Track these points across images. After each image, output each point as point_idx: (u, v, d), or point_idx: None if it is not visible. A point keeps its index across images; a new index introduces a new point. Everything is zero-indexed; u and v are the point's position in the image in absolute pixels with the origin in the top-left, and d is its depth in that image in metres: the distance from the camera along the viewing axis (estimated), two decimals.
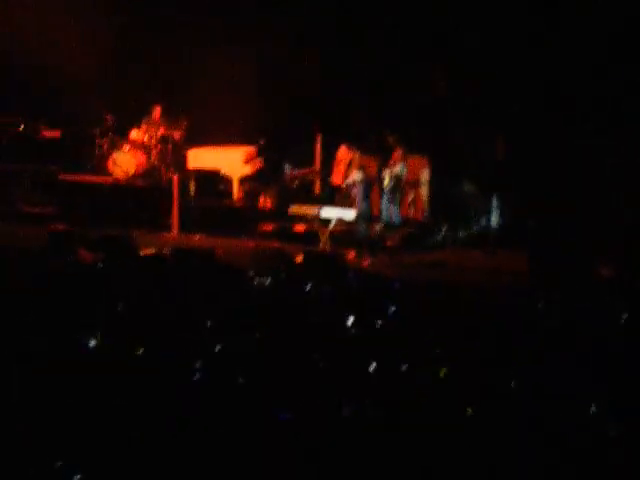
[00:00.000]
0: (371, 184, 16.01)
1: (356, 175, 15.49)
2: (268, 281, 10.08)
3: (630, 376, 6.89)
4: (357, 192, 15.52)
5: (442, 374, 6.70)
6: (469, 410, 6.13)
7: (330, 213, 15.14)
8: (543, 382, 6.72)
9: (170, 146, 17.31)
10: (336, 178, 16.26)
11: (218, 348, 6.79)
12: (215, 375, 6.34)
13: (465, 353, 7.26)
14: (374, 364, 6.78)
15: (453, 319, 8.39)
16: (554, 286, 10.76)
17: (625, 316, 8.53)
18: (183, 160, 17.13)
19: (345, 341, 7.43)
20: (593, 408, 6.07)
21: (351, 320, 7.75)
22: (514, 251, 13.86)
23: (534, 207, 14.39)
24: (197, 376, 6.29)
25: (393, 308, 8.17)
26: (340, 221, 15.26)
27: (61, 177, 16.86)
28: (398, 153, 15.65)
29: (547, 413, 6.17)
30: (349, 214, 15.09)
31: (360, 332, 7.61)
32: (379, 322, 7.86)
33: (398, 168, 15.71)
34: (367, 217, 15.66)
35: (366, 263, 13.77)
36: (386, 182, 15.68)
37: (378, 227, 15.85)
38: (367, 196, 15.95)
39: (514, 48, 15.62)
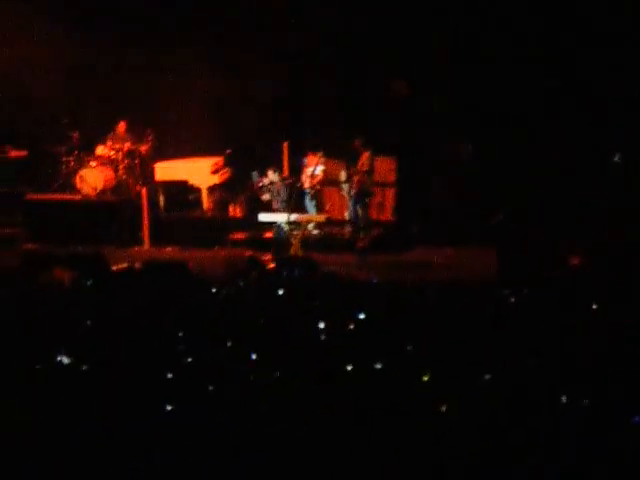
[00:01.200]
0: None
1: (271, 175, 15.51)
2: (240, 289, 10.12)
3: (600, 367, 6.97)
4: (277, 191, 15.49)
5: (426, 377, 6.73)
6: (443, 408, 6.20)
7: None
8: (517, 378, 6.79)
9: (137, 160, 17.33)
10: (304, 184, 16.35)
11: (190, 360, 6.84)
12: (187, 386, 6.39)
13: (439, 353, 7.32)
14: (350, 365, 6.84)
15: (425, 318, 8.46)
16: (524, 279, 10.85)
17: (595, 306, 8.62)
18: (151, 173, 17.17)
19: (318, 345, 7.48)
20: (564, 399, 6.15)
21: (322, 324, 7.80)
22: (484, 247, 13.98)
23: (501, 201, 14.50)
24: (169, 388, 6.34)
25: (364, 311, 8.22)
26: (311, 224, 15.35)
27: (29, 197, 16.83)
28: (365, 156, 15.74)
29: (523, 409, 6.24)
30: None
31: (333, 336, 7.67)
32: (351, 325, 7.92)
33: (316, 169, 15.83)
34: None
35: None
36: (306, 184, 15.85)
37: (347, 229, 15.97)
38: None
39: (476, 48, 15.74)
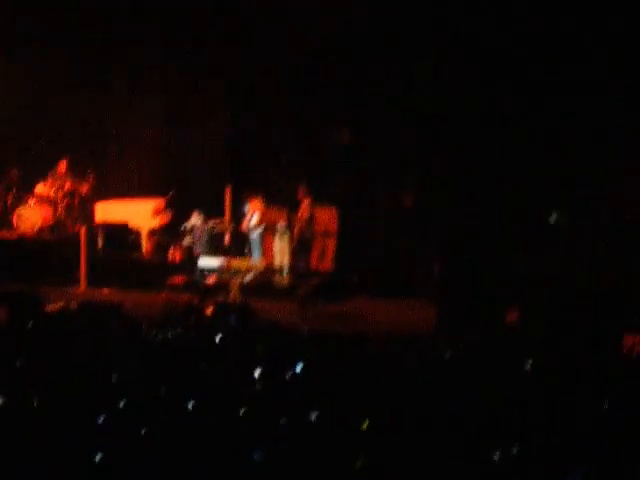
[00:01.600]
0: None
1: (194, 218, 15.36)
2: (177, 333, 10.02)
3: (536, 425, 7.00)
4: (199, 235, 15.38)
5: (364, 426, 6.69)
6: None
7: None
8: (452, 430, 6.79)
9: (77, 199, 17.18)
10: (244, 229, 16.33)
11: (122, 403, 6.73)
12: (119, 429, 6.28)
13: (375, 406, 7.30)
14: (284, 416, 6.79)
15: (361, 371, 8.44)
16: (460, 334, 10.90)
17: (529, 362, 8.67)
18: (91, 213, 17.03)
19: (254, 394, 7.42)
20: (495, 456, 6.15)
21: (258, 373, 7.73)
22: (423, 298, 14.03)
23: (440, 252, 14.58)
24: (101, 430, 6.23)
25: (301, 361, 8.18)
26: (250, 271, 15.30)
27: None
28: (307, 204, 15.77)
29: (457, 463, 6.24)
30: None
31: (269, 385, 7.61)
32: (288, 375, 7.87)
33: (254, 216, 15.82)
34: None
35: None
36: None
37: (286, 277, 15.96)
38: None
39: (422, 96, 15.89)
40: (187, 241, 15.40)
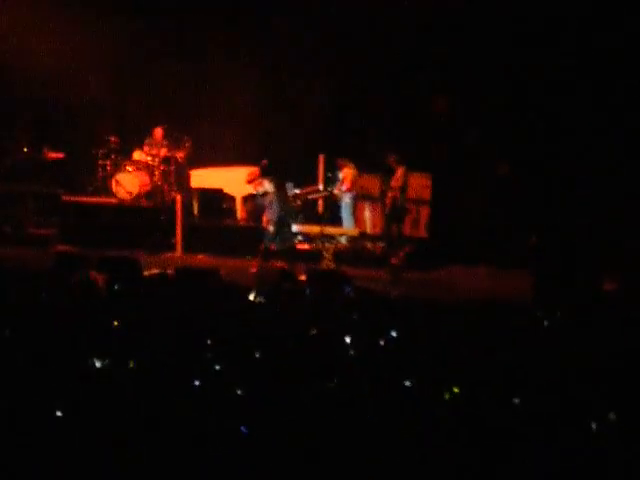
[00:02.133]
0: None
1: (266, 185, 14.87)
2: (271, 300, 10.09)
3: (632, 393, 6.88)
4: (269, 203, 15.06)
5: (447, 395, 6.67)
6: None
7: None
8: (548, 404, 6.72)
9: (173, 166, 17.38)
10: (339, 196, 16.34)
11: (218, 368, 6.81)
12: (214, 394, 6.36)
13: (470, 375, 7.25)
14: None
15: (457, 340, 8.39)
16: (558, 304, 10.76)
17: (629, 331, 8.53)
18: (186, 180, 17.21)
19: (347, 360, 7.44)
20: (594, 427, 6.07)
21: (349, 339, 7.75)
22: (520, 269, 13.86)
23: (537, 223, 14.39)
24: (196, 394, 6.32)
25: (395, 328, 8.17)
26: (344, 238, 15.32)
27: (65, 198, 16.90)
28: (400, 172, 15.67)
29: (549, 435, 6.17)
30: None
31: (362, 351, 7.62)
32: (381, 342, 7.86)
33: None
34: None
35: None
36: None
37: (380, 244, 15.94)
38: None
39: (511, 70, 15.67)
40: (249, 206, 15.22)
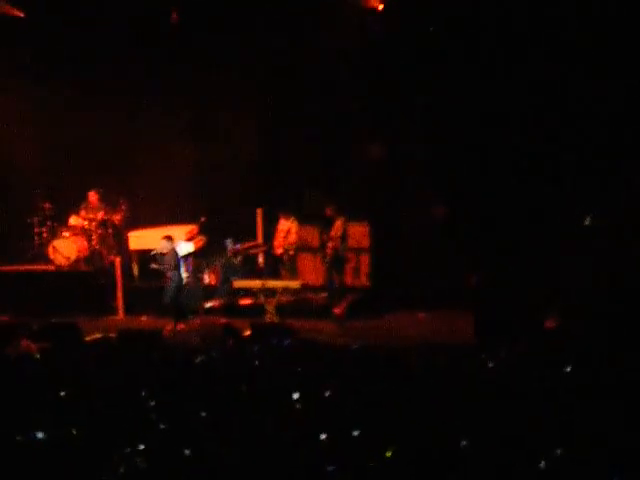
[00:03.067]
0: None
1: (163, 244, 14.92)
2: (216, 355, 10.03)
3: (580, 428, 6.94)
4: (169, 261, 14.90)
5: (389, 454, 6.62)
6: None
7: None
8: (495, 441, 6.74)
9: (110, 229, 17.29)
10: (277, 249, 16.36)
11: (163, 427, 6.74)
12: (161, 454, 6.29)
13: (418, 421, 7.25)
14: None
15: (402, 384, 8.40)
16: (501, 342, 10.82)
17: (569, 368, 8.61)
18: (125, 242, 17.10)
19: (294, 412, 7.40)
20: (542, 464, 6.10)
21: (297, 393, 7.71)
22: (460, 310, 13.94)
23: (479, 264, 14.49)
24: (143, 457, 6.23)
25: (340, 377, 8.17)
26: (286, 291, 15.31)
27: (1, 268, 16.71)
28: (339, 222, 15.75)
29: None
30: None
31: (308, 403, 7.59)
32: (327, 392, 7.84)
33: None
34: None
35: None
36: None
37: (322, 295, 15.97)
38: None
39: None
40: (155, 266, 15.19)
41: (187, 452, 6.18)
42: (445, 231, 15.71)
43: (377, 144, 16.33)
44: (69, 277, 16.64)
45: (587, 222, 14.06)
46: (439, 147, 15.87)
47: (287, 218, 16.31)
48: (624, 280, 12.84)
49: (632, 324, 11.50)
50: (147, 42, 16.86)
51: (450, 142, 15.65)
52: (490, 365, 9.25)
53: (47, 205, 17.09)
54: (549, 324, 12.14)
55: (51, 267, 16.78)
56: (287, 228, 16.28)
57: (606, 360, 8.98)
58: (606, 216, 13.86)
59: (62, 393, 8.03)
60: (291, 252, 16.31)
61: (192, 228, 17.05)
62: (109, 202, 17.30)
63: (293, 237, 16.27)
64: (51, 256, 16.77)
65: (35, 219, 17.06)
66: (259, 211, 16.88)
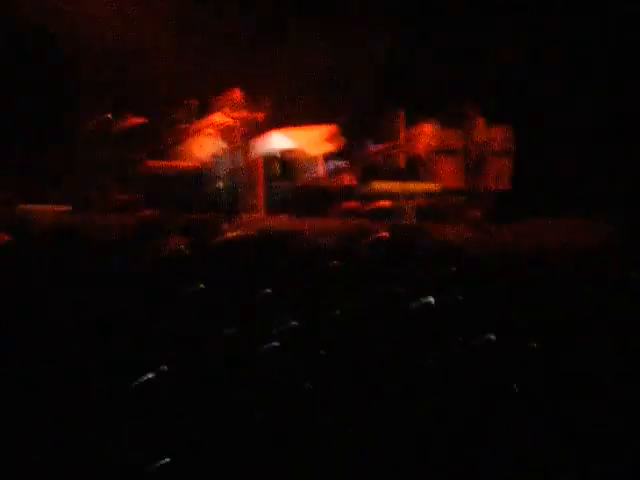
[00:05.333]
0: None
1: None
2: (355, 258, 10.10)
3: None
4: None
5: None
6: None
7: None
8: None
9: (253, 127, 17.40)
10: (418, 152, 16.23)
11: (294, 324, 6.84)
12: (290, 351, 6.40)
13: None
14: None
15: (542, 293, 8.30)
16: None
17: None
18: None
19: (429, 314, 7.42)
20: None
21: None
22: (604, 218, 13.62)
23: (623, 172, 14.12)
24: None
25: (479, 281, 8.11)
26: (425, 194, 15.23)
27: (146, 164, 17.06)
28: (482, 124, 15.51)
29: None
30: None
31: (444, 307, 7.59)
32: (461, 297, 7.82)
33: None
34: None
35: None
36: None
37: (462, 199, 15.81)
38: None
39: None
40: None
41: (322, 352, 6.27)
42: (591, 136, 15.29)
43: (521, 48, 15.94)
44: (211, 174, 16.87)
45: None
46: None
47: (428, 120, 16.13)
48: None
49: None
50: None
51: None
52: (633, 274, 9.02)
53: (192, 102, 17.28)
54: None
55: (196, 164, 17.04)
56: (428, 130, 16.10)
57: None
58: None
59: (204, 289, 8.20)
60: (431, 155, 16.16)
61: (332, 128, 17.02)
62: (252, 100, 17.39)
63: (434, 140, 16.10)
64: (196, 153, 17.02)
65: (181, 116, 17.28)
66: (401, 114, 16.73)
